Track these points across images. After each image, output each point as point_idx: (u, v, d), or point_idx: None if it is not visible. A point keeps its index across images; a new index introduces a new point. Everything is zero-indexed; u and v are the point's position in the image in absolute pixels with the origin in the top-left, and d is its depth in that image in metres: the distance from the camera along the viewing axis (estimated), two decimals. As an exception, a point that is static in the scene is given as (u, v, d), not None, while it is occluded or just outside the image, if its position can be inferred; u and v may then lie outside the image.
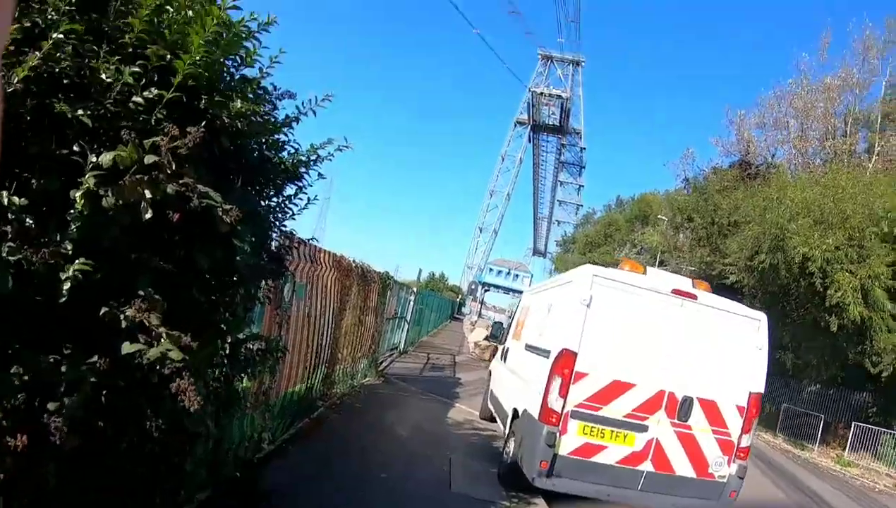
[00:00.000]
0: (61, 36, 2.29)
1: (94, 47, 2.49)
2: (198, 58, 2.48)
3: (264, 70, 3.09)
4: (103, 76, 2.43)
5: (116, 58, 2.49)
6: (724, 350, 6.46)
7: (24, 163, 2.21)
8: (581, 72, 74.32)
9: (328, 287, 8.12)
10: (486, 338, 22.95)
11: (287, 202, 3.62)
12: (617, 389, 6.10)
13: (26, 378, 2.02)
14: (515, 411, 7.23)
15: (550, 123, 74.27)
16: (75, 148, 2.29)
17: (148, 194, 2.08)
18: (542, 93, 71.44)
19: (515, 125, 78.32)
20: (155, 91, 2.49)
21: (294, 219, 3.73)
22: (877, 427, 18.46)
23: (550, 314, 7.23)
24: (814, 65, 30.30)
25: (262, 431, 6.13)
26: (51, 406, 2.06)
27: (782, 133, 30.97)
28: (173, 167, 2.09)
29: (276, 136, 3.40)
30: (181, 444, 2.71)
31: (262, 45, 2.99)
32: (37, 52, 2.23)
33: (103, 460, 2.44)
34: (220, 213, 2.25)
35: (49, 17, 2.41)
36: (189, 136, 2.14)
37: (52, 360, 2.14)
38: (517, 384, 7.78)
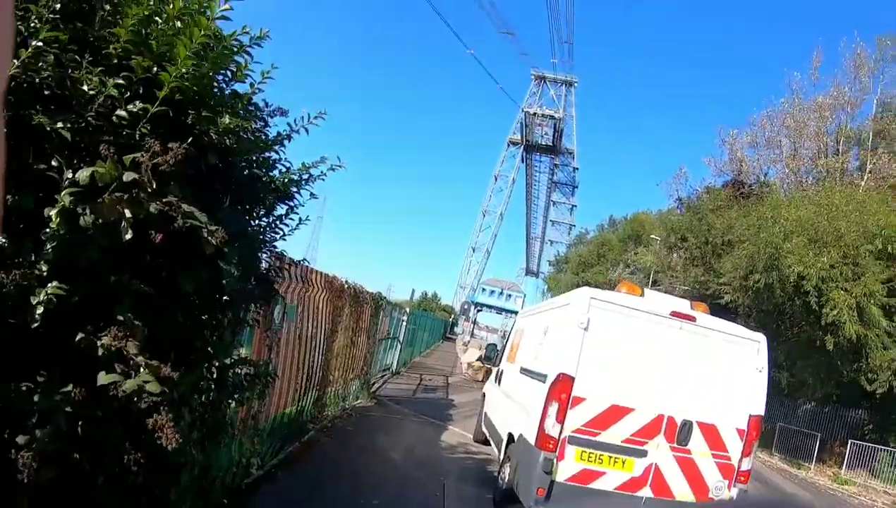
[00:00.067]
0: (41, 44, 2.18)
1: (77, 57, 2.38)
2: (184, 70, 2.37)
3: (255, 86, 2.99)
4: (85, 87, 2.32)
5: (100, 69, 2.38)
6: (724, 372, 6.35)
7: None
8: (574, 92, 74.80)
9: (320, 308, 7.99)
10: (479, 359, 22.79)
11: (278, 222, 3.51)
12: (615, 414, 5.96)
13: (-5, 407, 1.88)
14: (511, 435, 7.07)
15: (543, 143, 74.48)
16: (53, 162, 2.17)
17: (128, 213, 1.95)
18: (535, 114, 71.73)
19: (508, 145, 78.53)
20: (139, 104, 2.38)
21: (285, 239, 3.61)
22: (873, 445, 18.36)
23: (547, 337, 7.09)
24: (805, 84, 30.47)
25: (251, 456, 5.98)
26: (20, 439, 1.91)
27: (775, 152, 31.04)
28: (154, 185, 1.96)
29: (267, 154, 3.29)
30: (163, 477, 2.55)
31: (253, 60, 2.89)
32: (15, 61, 2.11)
33: (80, 493, 2.29)
34: (206, 234, 2.13)
35: (32, 24, 2.30)
36: (171, 153, 2.02)
37: (24, 388, 2.01)
38: (512, 408, 7.63)
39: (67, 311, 2.05)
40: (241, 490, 5.58)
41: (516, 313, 24.92)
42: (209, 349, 3.07)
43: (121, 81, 2.38)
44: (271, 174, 3.33)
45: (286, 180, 3.37)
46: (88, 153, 2.24)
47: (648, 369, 6.13)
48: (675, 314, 6.26)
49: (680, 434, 6.10)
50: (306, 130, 3.32)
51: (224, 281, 2.39)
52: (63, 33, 2.36)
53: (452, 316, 74.05)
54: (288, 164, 3.41)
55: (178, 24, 2.55)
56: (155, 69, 2.46)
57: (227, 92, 2.97)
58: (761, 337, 6.54)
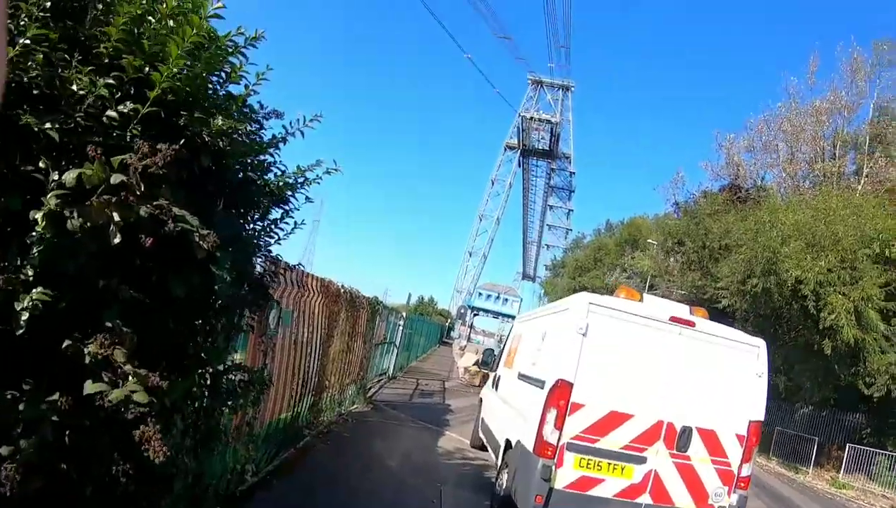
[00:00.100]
0: (29, 42, 2.12)
1: (67, 56, 2.32)
2: (176, 70, 2.31)
3: (250, 87, 2.92)
4: (74, 87, 2.26)
5: (90, 68, 2.32)
6: (724, 378, 6.30)
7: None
8: (571, 96, 74.68)
9: (315, 313, 7.92)
10: (476, 364, 22.70)
11: (273, 226, 3.44)
12: (614, 420, 5.91)
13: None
14: (508, 442, 7.01)
15: (540, 148, 74.38)
16: (41, 164, 2.10)
17: (116, 217, 1.89)
18: (531, 118, 71.66)
19: (505, 149, 78.41)
20: (130, 105, 2.32)
21: (280, 243, 3.55)
22: (871, 449, 18.39)
23: (545, 342, 7.03)
24: (802, 88, 30.55)
25: (246, 463, 5.91)
26: (3, 450, 1.85)
27: (772, 156, 31.12)
28: (142, 187, 1.89)
29: (262, 157, 3.23)
30: (153, 488, 2.48)
31: (248, 61, 2.84)
32: (2, 59, 2.05)
33: (68, 503, 2.22)
34: (197, 238, 2.06)
35: (21, 22, 2.24)
36: (160, 154, 1.95)
37: (9, 397, 1.94)
38: (510, 414, 7.56)
39: (54, 317, 1.98)
40: (236, 498, 5.52)
41: (513, 317, 24.91)
42: (202, 355, 3.00)
43: (111, 81, 2.32)
44: (266, 177, 3.27)
45: (281, 183, 3.30)
46: (77, 155, 2.17)
47: (647, 375, 6.08)
48: (674, 319, 6.21)
49: (679, 440, 6.05)
50: (302, 133, 3.27)
51: (217, 287, 2.31)
52: (53, 31, 2.30)
53: (449, 320, 73.88)
54: (283, 167, 3.35)
55: (171, 23, 2.50)
56: (147, 69, 2.40)
57: (221, 93, 2.91)
58: (761, 343, 6.50)
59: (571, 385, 5.78)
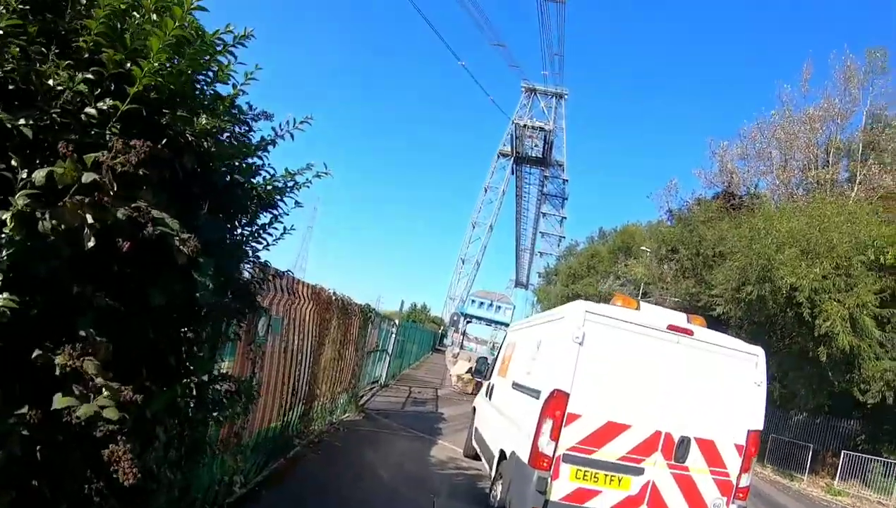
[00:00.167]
0: (2, 32, 2.00)
1: (44, 49, 2.20)
2: (157, 64, 2.19)
3: (238, 87, 2.81)
4: (51, 82, 2.14)
5: (68, 62, 2.20)
6: (722, 387, 6.21)
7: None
8: (564, 104, 75.04)
9: (306, 320, 7.79)
10: (469, 372, 22.59)
11: (261, 231, 3.32)
12: (611, 431, 5.80)
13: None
14: (503, 452, 6.89)
15: (533, 155, 74.65)
16: (13, 162, 1.98)
17: (90, 219, 1.76)
18: (525, 126, 71.90)
19: (499, 157, 78.59)
20: (110, 102, 2.20)
21: (268, 249, 3.43)
22: (866, 455, 18.43)
23: (540, 351, 6.92)
24: (796, 96, 30.80)
25: (234, 474, 5.77)
26: (-33, 468, 1.72)
27: (765, 163, 31.29)
28: (116, 187, 1.77)
29: (251, 160, 3.11)
30: (129, 506, 2.35)
31: (237, 61, 2.73)
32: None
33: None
34: (177, 243, 1.94)
35: (-3, 15, 2.13)
36: (134, 151, 1.82)
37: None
38: (504, 423, 7.44)
39: (24, 325, 1.85)
40: (223, 510, 5.38)
41: (506, 325, 24.89)
42: (188, 365, 2.88)
43: (90, 76, 2.21)
44: (253, 181, 3.15)
45: (269, 187, 3.18)
46: (52, 153, 2.05)
47: (645, 384, 5.98)
48: (671, 327, 6.11)
49: (677, 450, 5.94)
50: (291, 135, 3.16)
51: (198, 294, 2.18)
52: (32, 25, 2.19)
53: (442, 327, 73.81)
54: (272, 171, 3.23)
55: (155, 16, 2.38)
56: (129, 65, 2.29)
57: (208, 93, 2.80)
58: (759, 351, 6.41)
59: (568, 395, 5.67)
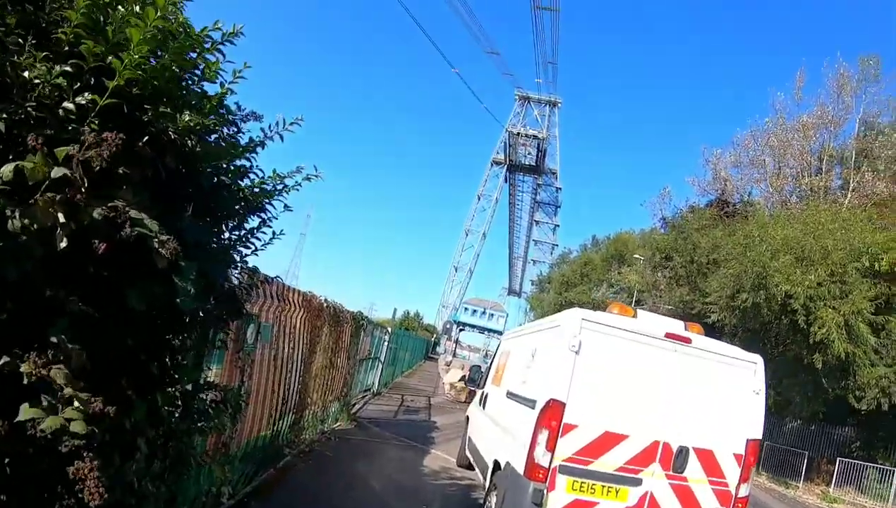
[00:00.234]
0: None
1: (21, 41, 2.09)
2: (138, 57, 2.08)
3: (226, 86, 2.70)
4: (27, 74, 2.03)
5: (45, 54, 2.09)
6: (721, 395, 6.11)
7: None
8: (558, 112, 75.23)
9: (297, 328, 7.66)
10: (462, 380, 22.44)
11: (250, 236, 3.20)
12: (608, 441, 5.68)
13: None
14: (497, 463, 6.75)
15: (527, 163, 74.69)
16: (-17, 159, 1.86)
17: (62, 218, 1.64)
18: (518, 134, 71.99)
19: (492, 165, 78.56)
20: (89, 96, 2.09)
21: (257, 254, 3.31)
22: (861, 462, 18.47)
23: (535, 360, 6.80)
24: (789, 103, 30.94)
25: (222, 485, 5.65)
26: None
27: (759, 171, 31.34)
28: (86, 183, 1.65)
29: (239, 162, 3.00)
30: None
31: (226, 59, 2.63)
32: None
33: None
34: (156, 245, 1.82)
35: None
36: (105, 144, 1.70)
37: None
38: (498, 433, 7.32)
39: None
40: (211, 522, 5.24)
41: (499, 332, 24.77)
42: (172, 373, 2.76)
43: (69, 69, 2.10)
44: (241, 183, 3.03)
45: (257, 190, 3.07)
46: (27, 149, 1.94)
47: (642, 393, 5.87)
48: (669, 335, 6.01)
49: (676, 461, 5.83)
50: (281, 137, 3.05)
51: (178, 300, 2.05)
52: (11, 15, 2.08)
53: (435, 335, 73.59)
54: (260, 173, 3.12)
55: (138, 8, 2.28)
56: (109, 58, 2.18)
57: (194, 91, 2.69)
58: (758, 359, 6.32)
59: (564, 405, 5.56)
